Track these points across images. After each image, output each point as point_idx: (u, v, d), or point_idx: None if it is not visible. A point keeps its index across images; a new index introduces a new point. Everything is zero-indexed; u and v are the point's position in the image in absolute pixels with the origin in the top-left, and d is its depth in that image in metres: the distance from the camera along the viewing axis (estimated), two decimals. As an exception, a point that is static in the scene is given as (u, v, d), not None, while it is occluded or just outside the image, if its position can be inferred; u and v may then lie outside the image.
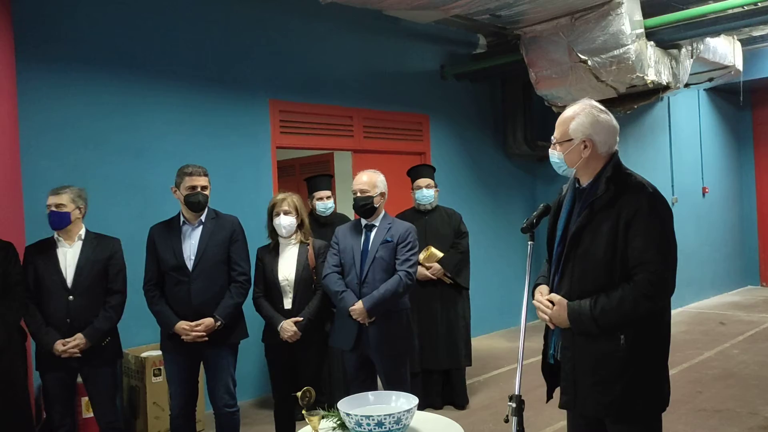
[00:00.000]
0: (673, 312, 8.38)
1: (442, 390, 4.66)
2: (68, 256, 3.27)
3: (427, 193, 4.64)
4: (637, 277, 2.01)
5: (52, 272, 3.22)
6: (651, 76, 5.73)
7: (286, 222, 3.55)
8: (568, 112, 2.20)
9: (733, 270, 9.86)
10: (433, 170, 4.82)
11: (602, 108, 2.20)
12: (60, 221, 3.24)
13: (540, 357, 2.34)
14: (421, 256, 4.45)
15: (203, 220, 3.44)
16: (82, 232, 3.33)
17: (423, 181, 4.66)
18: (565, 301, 2.11)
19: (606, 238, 2.05)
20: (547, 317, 2.17)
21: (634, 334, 2.05)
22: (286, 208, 3.55)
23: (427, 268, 4.46)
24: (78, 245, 3.30)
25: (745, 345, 6.36)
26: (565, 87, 5.99)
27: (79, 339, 3.17)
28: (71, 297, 3.21)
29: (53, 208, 3.23)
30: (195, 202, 3.36)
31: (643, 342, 2.06)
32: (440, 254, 4.43)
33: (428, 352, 4.52)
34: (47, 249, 3.27)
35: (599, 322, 2.03)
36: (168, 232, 3.43)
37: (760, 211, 10.14)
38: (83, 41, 4.41)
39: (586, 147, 2.14)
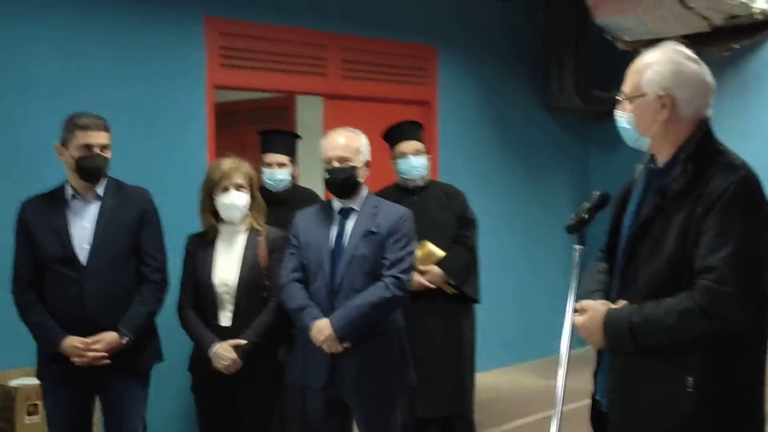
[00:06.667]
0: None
1: None
2: None
3: (416, 162, 4.57)
4: (698, 285, 2.06)
5: None
6: (759, 3, 5.74)
7: (240, 201, 3.58)
8: (644, 58, 2.24)
9: None
10: (420, 128, 4.78)
11: (692, 56, 2.24)
12: None
13: (590, 400, 2.39)
14: None
15: (101, 194, 3.44)
16: None
17: (408, 146, 4.58)
18: (600, 306, 2.16)
19: (677, 234, 2.11)
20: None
21: (710, 373, 2.08)
22: (239, 180, 3.57)
23: (422, 273, 4.46)
24: None
25: None
26: (637, 15, 6.03)
27: None
28: None
29: None
30: (92, 168, 3.36)
31: (722, 385, 2.09)
32: (441, 253, 4.46)
33: (422, 393, 4.53)
34: None
35: (637, 336, 2.08)
36: (49, 209, 3.43)
37: None
38: None
39: (663, 106, 2.19)
